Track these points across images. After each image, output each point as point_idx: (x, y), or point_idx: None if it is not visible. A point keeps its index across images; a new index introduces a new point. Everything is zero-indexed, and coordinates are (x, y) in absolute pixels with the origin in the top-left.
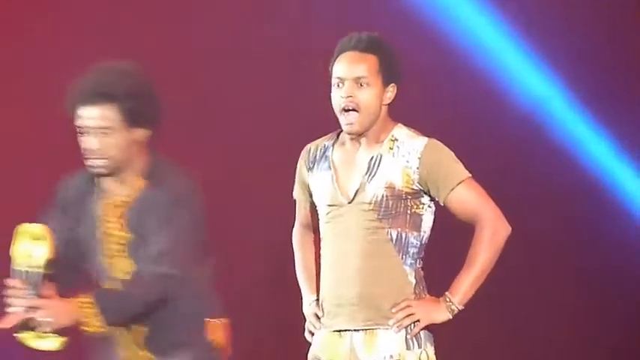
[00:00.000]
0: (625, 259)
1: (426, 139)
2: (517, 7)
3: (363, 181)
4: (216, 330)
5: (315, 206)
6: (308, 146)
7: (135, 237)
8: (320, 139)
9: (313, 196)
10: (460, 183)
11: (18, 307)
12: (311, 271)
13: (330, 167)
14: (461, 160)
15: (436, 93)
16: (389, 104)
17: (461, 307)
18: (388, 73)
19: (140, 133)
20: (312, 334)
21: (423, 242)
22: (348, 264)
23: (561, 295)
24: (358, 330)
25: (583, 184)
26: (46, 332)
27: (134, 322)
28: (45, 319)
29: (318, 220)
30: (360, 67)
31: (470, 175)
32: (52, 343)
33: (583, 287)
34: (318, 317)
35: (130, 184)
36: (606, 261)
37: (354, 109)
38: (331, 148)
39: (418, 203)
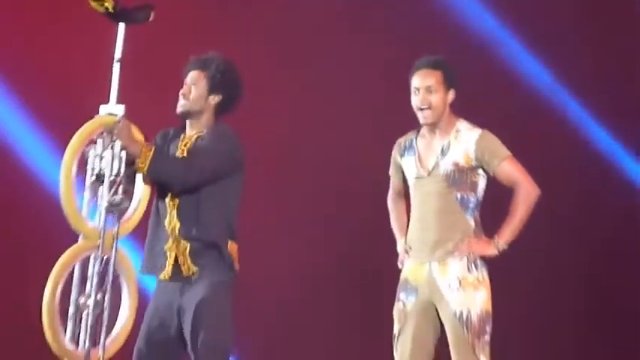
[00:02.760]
0: None
1: (480, 130)
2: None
3: (438, 161)
4: (234, 250)
5: (405, 180)
6: (399, 140)
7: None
8: (407, 135)
9: (405, 172)
10: (504, 159)
11: None
12: (402, 222)
13: (415, 152)
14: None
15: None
16: (451, 104)
17: (505, 247)
18: (449, 83)
19: (216, 99)
20: (402, 264)
21: (479, 200)
22: (428, 217)
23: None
24: (435, 261)
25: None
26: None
27: (167, 186)
28: (119, 131)
29: (407, 189)
30: (430, 79)
31: (510, 154)
32: None
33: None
34: (407, 252)
35: (197, 130)
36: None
37: (428, 108)
38: (415, 139)
39: (475, 174)
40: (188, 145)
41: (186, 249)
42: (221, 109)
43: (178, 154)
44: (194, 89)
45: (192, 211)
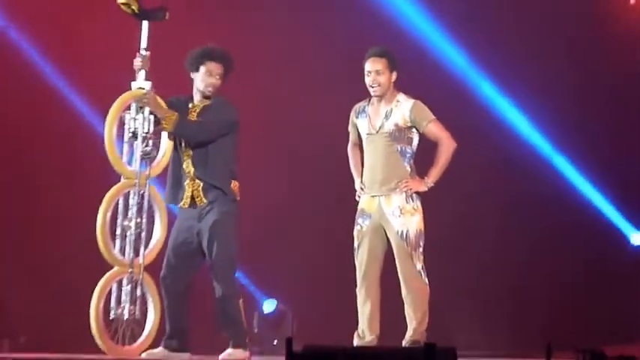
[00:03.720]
0: None
1: (413, 100)
2: None
3: (383, 122)
4: (236, 187)
5: (359, 135)
6: (355, 106)
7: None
8: (360, 102)
9: (359, 130)
10: (430, 122)
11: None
12: (358, 167)
13: (366, 116)
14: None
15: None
16: (394, 82)
17: (432, 184)
18: (392, 67)
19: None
20: (359, 197)
21: (414, 151)
22: (377, 163)
23: None
24: (382, 195)
25: None
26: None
27: (186, 140)
28: (148, 100)
29: (361, 141)
30: (378, 65)
31: (435, 118)
32: None
33: None
34: (362, 189)
35: (202, 104)
36: None
37: (378, 85)
38: (367, 106)
39: (410, 132)
40: (197, 111)
41: (199, 186)
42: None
43: (191, 117)
44: (218, 79)
45: (202, 159)
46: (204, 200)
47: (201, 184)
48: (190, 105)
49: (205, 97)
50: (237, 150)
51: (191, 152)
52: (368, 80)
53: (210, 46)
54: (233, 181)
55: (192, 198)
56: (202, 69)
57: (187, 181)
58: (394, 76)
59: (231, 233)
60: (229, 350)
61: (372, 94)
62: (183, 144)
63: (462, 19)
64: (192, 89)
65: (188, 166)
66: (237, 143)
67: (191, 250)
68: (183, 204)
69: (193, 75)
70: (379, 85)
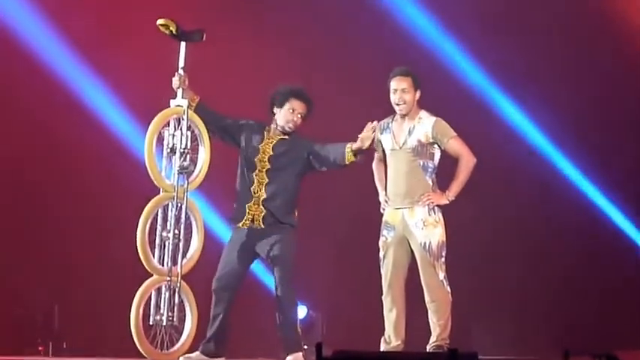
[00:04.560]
0: None
1: (435, 117)
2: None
3: (406, 139)
4: (295, 216)
5: (384, 150)
6: (380, 122)
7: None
8: (385, 119)
9: (383, 145)
10: (451, 138)
11: None
12: (382, 181)
13: (390, 132)
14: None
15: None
16: (417, 100)
17: (453, 198)
18: (416, 85)
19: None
20: (384, 210)
21: (435, 166)
22: (400, 177)
23: None
24: (405, 207)
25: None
26: None
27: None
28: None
29: (386, 156)
30: (404, 83)
31: (456, 134)
32: None
33: None
34: (386, 202)
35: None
36: None
37: (403, 103)
38: (390, 122)
39: (432, 148)
40: (274, 142)
41: (261, 213)
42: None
43: (266, 147)
44: (299, 118)
45: (276, 189)
46: (263, 225)
47: (265, 212)
48: (266, 132)
49: (284, 132)
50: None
51: (266, 179)
52: (394, 98)
53: (299, 86)
54: (295, 211)
55: (253, 221)
56: (287, 106)
57: (251, 203)
58: (418, 94)
59: (292, 248)
60: (291, 357)
61: (397, 111)
62: (258, 168)
63: (480, 34)
64: (272, 122)
65: (258, 191)
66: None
67: (244, 266)
68: (242, 225)
69: (276, 110)
70: (405, 103)
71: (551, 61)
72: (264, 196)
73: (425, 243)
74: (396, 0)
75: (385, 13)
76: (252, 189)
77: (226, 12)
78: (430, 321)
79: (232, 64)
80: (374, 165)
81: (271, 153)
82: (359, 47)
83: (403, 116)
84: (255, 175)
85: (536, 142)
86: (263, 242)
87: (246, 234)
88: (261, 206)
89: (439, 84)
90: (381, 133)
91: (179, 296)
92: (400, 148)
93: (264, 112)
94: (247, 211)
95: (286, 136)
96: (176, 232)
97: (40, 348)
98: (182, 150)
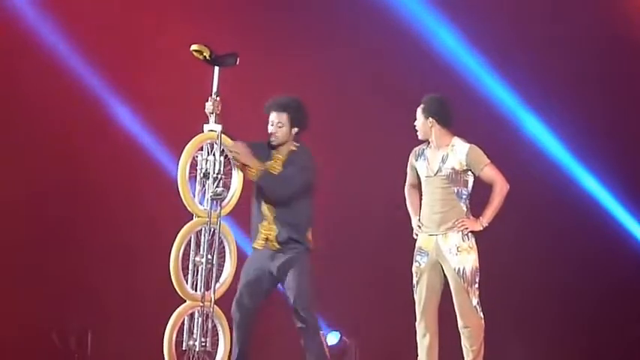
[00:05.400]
0: None
1: (469, 144)
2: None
3: (440, 166)
4: (310, 235)
5: (418, 176)
6: (415, 149)
7: (283, 170)
8: (420, 145)
9: (418, 171)
10: (485, 165)
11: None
12: (416, 206)
13: (425, 159)
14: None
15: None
16: (449, 130)
17: (486, 224)
18: (426, 114)
19: (295, 130)
20: (417, 235)
21: (469, 193)
22: (435, 204)
23: None
24: (439, 234)
25: None
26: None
27: (270, 195)
28: (235, 150)
29: (419, 183)
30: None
31: (490, 162)
32: None
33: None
34: (419, 227)
35: (287, 151)
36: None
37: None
38: (425, 149)
39: (466, 175)
40: (282, 158)
41: (274, 232)
42: (297, 135)
43: (275, 163)
44: (280, 128)
45: (284, 207)
46: (277, 246)
47: (277, 231)
48: (273, 151)
49: (273, 146)
50: (313, 199)
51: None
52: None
53: (274, 96)
54: (310, 229)
55: (267, 240)
56: (269, 119)
57: (264, 223)
58: (430, 121)
59: (308, 271)
60: None
61: (431, 142)
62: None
63: (506, 54)
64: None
65: (267, 210)
66: (313, 192)
67: (262, 287)
68: (257, 245)
69: None
70: (418, 130)
71: (575, 77)
72: (275, 214)
73: (459, 269)
74: (420, 19)
75: (413, 34)
76: (262, 209)
77: (257, 33)
78: (463, 346)
79: (257, 85)
80: (406, 191)
81: (280, 169)
82: (388, 67)
83: (436, 143)
84: (264, 196)
85: (574, 171)
86: (277, 264)
87: (262, 254)
88: (273, 225)
89: (467, 104)
90: (416, 160)
91: (212, 321)
92: (434, 175)
93: None
94: (260, 230)
95: (295, 151)
96: (209, 257)
97: None
98: (215, 175)
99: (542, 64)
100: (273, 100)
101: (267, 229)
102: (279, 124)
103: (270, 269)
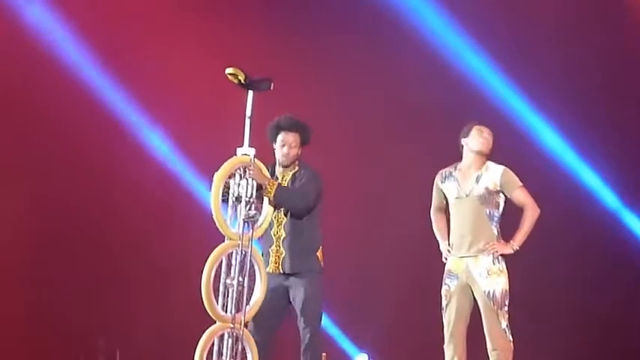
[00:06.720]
0: None
1: (503, 167)
2: None
3: (473, 186)
4: (321, 255)
5: (445, 199)
6: (440, 171)
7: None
8: (446, 168)
9: (445, 193)
10: (517, 188)
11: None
12: (444, 229)
13: (454, 180)
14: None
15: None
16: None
17: (517, 248)
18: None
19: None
20: (446, 259)
21: (500, 215)
22: (466, 226)
23: None
24: (470, 256)
25: None
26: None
27: (290, 207)
28: (250, 171)
29: (447, 205)
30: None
31: (522, 185)
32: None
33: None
34: (449, 251)
35: (292, 168)
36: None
37: None
38: (453, 171)
39: (498, 196)
40: (287, 179)
41: (282, 255)
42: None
43: (284, 183)
44: (292, 148)
45: (294, 227)
46: (287, 269)
47: (286, 254)
48: (278, 174)
49: (284, 166)
50: (320, 217)
51: (284, 219)
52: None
53: (284, 116)
54: (320, 248)
55: (276, 264)
56: (278, 140)
57: (273, 246)
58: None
59: (318, 297)
60: None
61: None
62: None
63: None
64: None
65: (278, 232)
66: (319, 210)
67: (275, 309)
68: (270, 269)
69: (274, 146)
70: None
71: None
72: (284, 235)
73: (489, 291)
74: (441, 36)
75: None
76: (271, 232)
77: (287, 58)
78: None
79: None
80: (432, 214)
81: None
82: (405, 82)
83: (469, 165)
84: (275, 217)
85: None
86: (289, 284)
87: (275, 278)
88: (282, 248)
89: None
90: (442, 182)
91: (242, 343)
92: (467, 196)
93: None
94: (271, 254)
95: (299, 170)
96: (240, 279)
97: None
98: (247, 199)
99: (555, 80)
100: (282, 120)
101: (276, 252)
102: (293, 144)
103: (284, 285)
